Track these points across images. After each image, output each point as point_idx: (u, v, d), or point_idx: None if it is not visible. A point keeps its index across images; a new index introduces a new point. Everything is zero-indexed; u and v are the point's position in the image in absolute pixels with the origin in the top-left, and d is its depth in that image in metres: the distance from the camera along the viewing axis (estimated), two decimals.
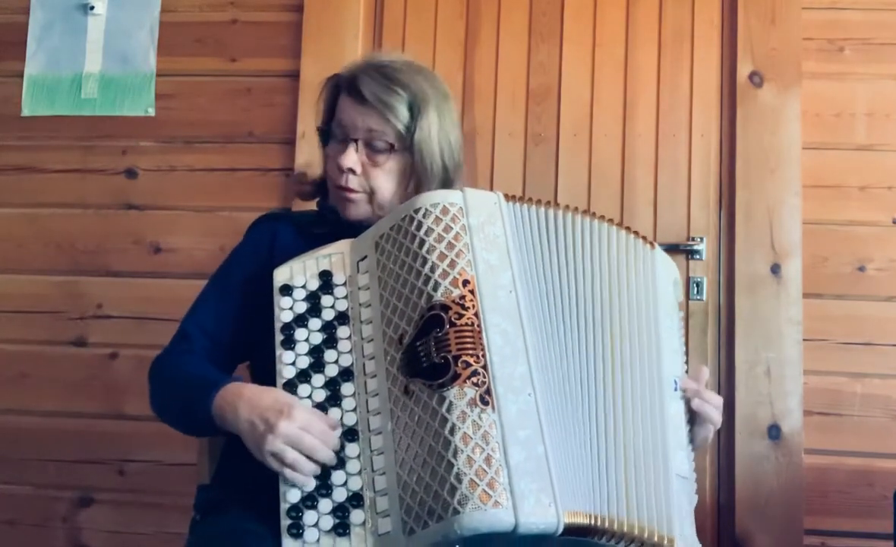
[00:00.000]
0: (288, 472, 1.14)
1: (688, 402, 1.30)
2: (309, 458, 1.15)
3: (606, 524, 1.10)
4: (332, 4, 2.24)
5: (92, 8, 2.32)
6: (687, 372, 1.35)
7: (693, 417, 1.31)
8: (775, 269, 2.07)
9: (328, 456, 1.16)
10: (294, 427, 1.15)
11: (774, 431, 2.02)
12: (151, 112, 2.30)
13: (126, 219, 2.28)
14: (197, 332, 1.39)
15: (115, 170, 2.30)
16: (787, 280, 2.06)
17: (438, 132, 1.41)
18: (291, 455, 1.14)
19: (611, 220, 1.30)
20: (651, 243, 1.34)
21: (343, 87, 1.43)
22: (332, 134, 1.43)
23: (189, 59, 2.30)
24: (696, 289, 2.13)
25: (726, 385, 2.08)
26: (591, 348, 1.20)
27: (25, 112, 2.34)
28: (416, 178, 1.41)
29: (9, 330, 2.28)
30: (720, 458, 2.08)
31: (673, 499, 1.19)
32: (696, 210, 2.16)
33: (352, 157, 1.39)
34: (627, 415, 1.19)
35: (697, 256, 2.14)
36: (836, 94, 2.13)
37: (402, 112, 1.38)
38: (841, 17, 2.15)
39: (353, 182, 1.40)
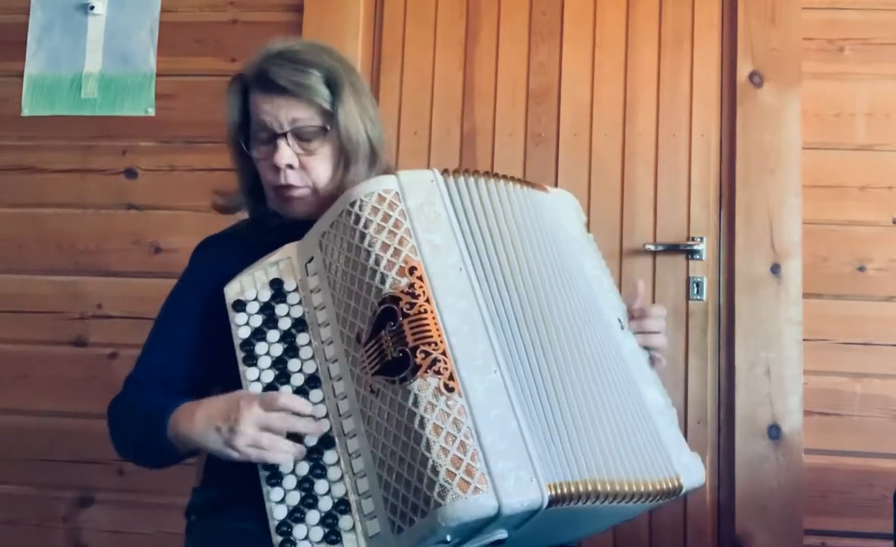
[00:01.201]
0: (268, 455, 1.14)
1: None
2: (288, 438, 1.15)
3: (591, 488, 1.09)
4: (332, 4, 2.24)
5: (92, 8, 2.32)
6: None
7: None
8: (775, 269, 2.07)
9: (304, 424, 1.15)
10: (256, 410, 1.15)
11: (774, 431, 2.02)
12: (151, 112, 2.30)
13: (126, 219, 2.28)
14: (146, 378, 1.36)
15: (115, 170, 2.30)
16: (787, 280, 2.06)
17: (357, 104, 1.37)
18: (265, 438, 1.14)
19: (513, 179, 1.29)
20: (542, 187, 1.33)
21: (252, 85, 1.37)
22: (254, 137, 1.38)
23: (189, 59, 2.30)
24: (696, 289, 2.13)
25: (726, 385, 2.08)
26: (543, 311, 1.18)
27: (25, 112, 2.34)
28: (344, 158, 1.37)
29: (9, 330, 2.28)
30: (720, 458, 2.08)
31: (663, 436, 1.19)
32: (696, 210, 2.16)
33: (286, 153, 1.34)
34: (593, 371, 1.18)
35: (697, 256, 2.14)
36: (836, 94, 2.13)
37: (322, 90, 1.34)
38: (841, 17, 2.14)
39: (293, 178, 1.36)
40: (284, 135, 1.35)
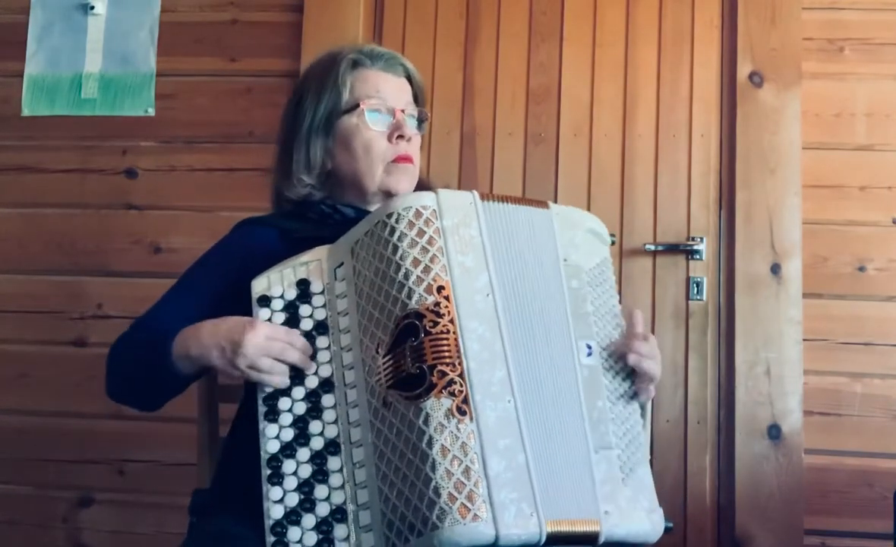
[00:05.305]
0: (266, 377, 1.18)
1: (623, 359, 1.24)
2: (283, 363, 1.19)
3: (586, 528, 1.08)
4: (332, 5, 2.24)
5: (92, 8, 2.32)
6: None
7: (632, 373, 1.25)
8: (775, 269, 2.07)
9: (298, 357, 1.19)
10: (260, 336, 1.18)
11: (774, 431, 2.02)
12: (151, 112, 2.30)
13: (126, 219, 2.28)
14: (151, 324, 1.36)
15: (115, 170, 2.30)
16: (787, 280, 2.06)
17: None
18: (265, 362, 1.18)
19: (546, 203, 1.27)
20: (544, 203, 1.28)
21: (368, 60, 1.43)
22: (369, 110, 1.40)
23: (189, 59, 2.30)
24: (696, 289, 2.13)
25: (726, 385, 2.08)
26: (550, 343, 1.17)
27: (25, 112, 2.34)
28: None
29: (9, 330, 2.28)
30: (720, 458, 2.08)
31: (597, 478, 1.12)
32: (696, 210, 2.16)
33: (411, 125, 1.43)
34: (559, 404, 1.14)
35: (697, 256, 2.14)
36: (836, 94, 2.13)
37: (421, 96, 1.48)
38: (841, 17, 2.15)
39: (412, 149, 1.42)
40: (402, 111, 1.42)
